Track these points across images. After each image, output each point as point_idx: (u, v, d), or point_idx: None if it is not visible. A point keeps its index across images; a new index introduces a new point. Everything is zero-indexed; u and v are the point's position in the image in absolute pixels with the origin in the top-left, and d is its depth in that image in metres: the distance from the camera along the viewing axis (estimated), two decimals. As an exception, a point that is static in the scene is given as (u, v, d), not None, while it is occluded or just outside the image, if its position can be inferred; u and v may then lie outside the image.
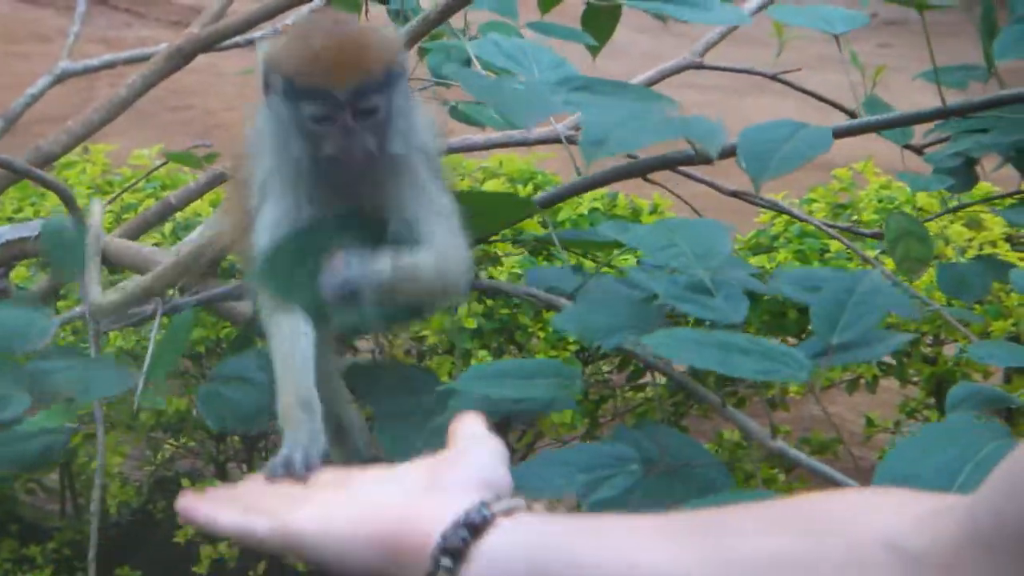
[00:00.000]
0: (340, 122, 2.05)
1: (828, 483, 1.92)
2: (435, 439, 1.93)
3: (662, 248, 1.89)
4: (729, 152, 2.13)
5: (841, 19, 2.32)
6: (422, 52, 3.16)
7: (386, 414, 1.99)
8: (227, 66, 11.27)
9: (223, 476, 4.45)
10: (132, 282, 2.64)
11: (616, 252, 4.12)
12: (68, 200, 2.73)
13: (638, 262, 2.29)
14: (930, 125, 2.57)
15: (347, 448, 2.21)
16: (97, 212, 2.79)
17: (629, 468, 1.73)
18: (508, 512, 1.21)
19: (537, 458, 1.76)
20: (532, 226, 4.02)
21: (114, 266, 2.88)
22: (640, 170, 2.33)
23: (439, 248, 2.13)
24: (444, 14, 2.53)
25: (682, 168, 2.55)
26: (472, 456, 1.34)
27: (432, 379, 2.17)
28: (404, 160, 2.15)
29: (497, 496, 1.23)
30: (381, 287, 2.02)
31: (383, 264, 2.03)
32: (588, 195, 4.40)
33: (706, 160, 2.15)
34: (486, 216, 2.25)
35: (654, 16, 3.76)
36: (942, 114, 2.29)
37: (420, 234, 2.15)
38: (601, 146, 1.89)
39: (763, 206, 2.68)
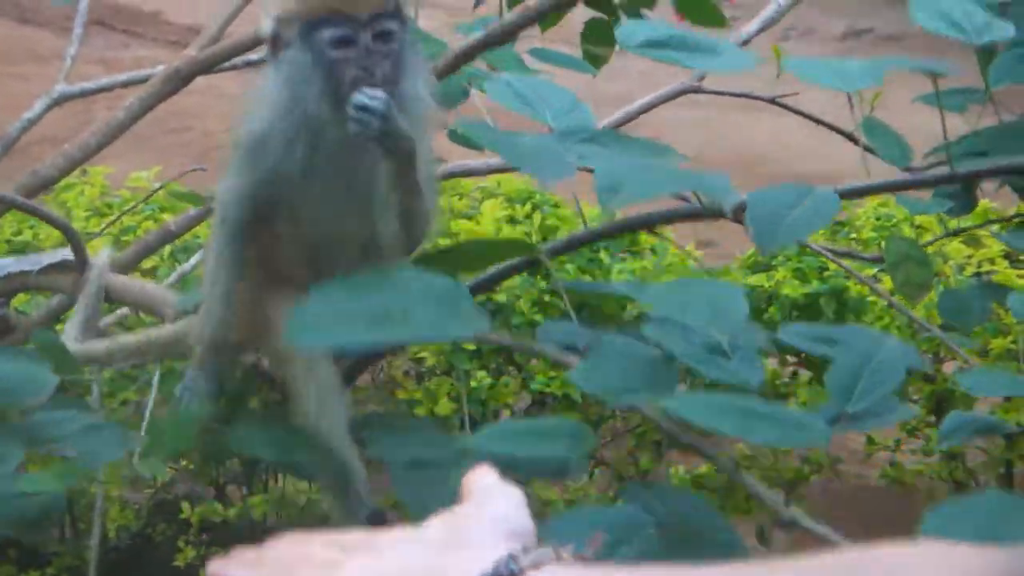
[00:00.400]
0: (361, 44, 2.12)
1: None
2: (455, 491, 1.94)
3: (677, 308, 1.89)
4: (740, 208, 2.12)
5: (857, 75, 2.32)
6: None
7: (402, 466, 1.97)
8: (227, 87, 11.28)
9: (222, 499, 4.45)
10: (125, 337, 2.63)
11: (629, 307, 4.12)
12: (72, 237, 2.73)
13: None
14: (929, 145, 2.57)
15: (350, 498, 2.23)
16: (104, 257, 2.77)
17: (645, 532, 1.72)
18: (537, 564, 1.18)
19: (553, 520, 1.75)
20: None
21: (117, 303, 2.87)
22: (649, 223, 2.32)
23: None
24: (467, 55, 2.53)
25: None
26: (492, 507, 1.31)
27: (443, 432, 2.17)
28: (410, 109, 2.17)
29: (523, 546, 1.20)
30: (398, 135, 2.10)
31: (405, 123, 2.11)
32: (588, 213, 4.41)
33: (717, 215, 2.15)
34: (490, 260, 2.26)
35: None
36: (952, 179, 2.30)
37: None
38: (615, 195, 1.90)
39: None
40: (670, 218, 2.29)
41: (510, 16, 2.45)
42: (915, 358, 2.08)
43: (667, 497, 1.81)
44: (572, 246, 2.40)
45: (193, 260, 3.77)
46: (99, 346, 2.63)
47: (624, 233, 2.29)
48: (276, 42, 2.21)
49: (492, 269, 2.33)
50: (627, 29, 2.38)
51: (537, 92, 2.25)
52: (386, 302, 1.80)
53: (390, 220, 2.25)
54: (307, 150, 2.21)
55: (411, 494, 1.97)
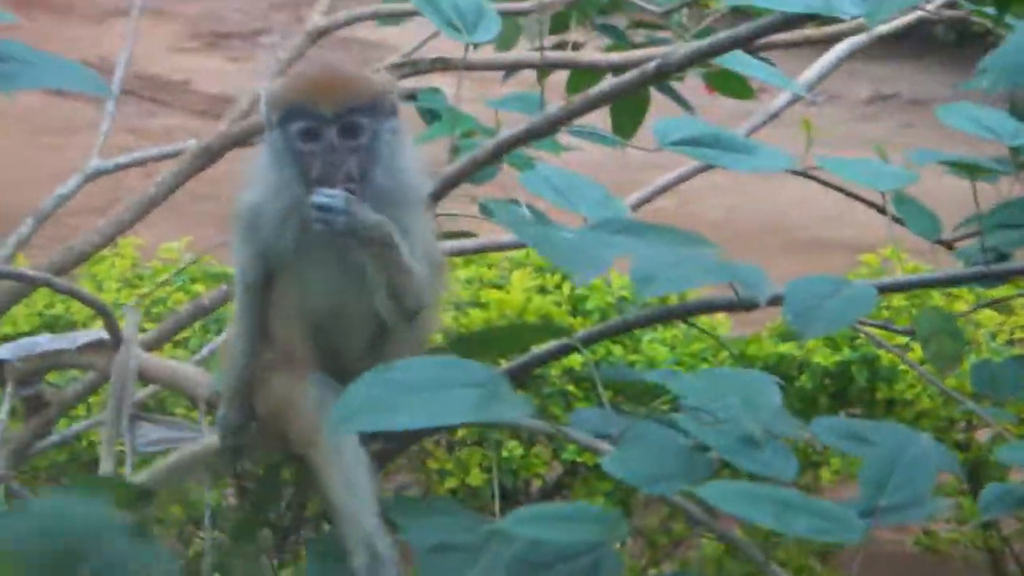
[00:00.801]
0: (326, 139, 2.21)
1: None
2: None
3: (710, 398, 1.90)
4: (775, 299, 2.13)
5: (889, 176, 2.38)
6: (455, 150, 3.18)
7: (430, 549, 1.97)
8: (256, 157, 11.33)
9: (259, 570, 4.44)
10: (163, 461, 2.64)
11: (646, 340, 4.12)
12: (107, 316, 2.77)
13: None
14: (960, 217, 2.57)
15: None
16: (133, 320, 2.80)
17: None
18: None
19: None
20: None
21: (151, 383, 2.90)
22: (683, 312, 2.33)
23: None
24: (511, 144, 2.56)
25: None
26: None
27: (475, 516, 2.16)
28: (388, 197, 2.26)
29: None
30: (364, 228, 2.18)
31: (372, 214, 2.19)
32: (617, 283, 4.41)
33: (752, 306, 2.15)
34: (525, 344, 2.28)
35: (681, 106, 3.79)
36: (986, 276, 2.31)
37: None
38: (651, 284, 1.92)
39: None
40: (706, 309, 2.30)
41: (553, 110, 2.48)
42: (948, 459, 2.09)
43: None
44: (606, 335, 2.41)
45: (216, 341, 3.79)
46: (142, 476, 2.63)
47: (659, 322, 2.29)
48: (267, 120, 2.31)
49: (527, 356, 2.34)
50: (664, 125, 2.44)
51: (572, 185, 2.28)
52: (427, 389, 1.82)
53: (382, 298, 2.29)
54: (298, 227, 2.28)
55: (434, 574, 1.97)
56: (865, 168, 2.38)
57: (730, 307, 2.24)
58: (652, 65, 2.37)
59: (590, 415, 2.08)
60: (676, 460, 1.89)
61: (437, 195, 2.61)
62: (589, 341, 2.31)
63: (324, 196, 2.17)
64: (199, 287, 4.75)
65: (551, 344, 2.31)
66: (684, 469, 1.87)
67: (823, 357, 4.07)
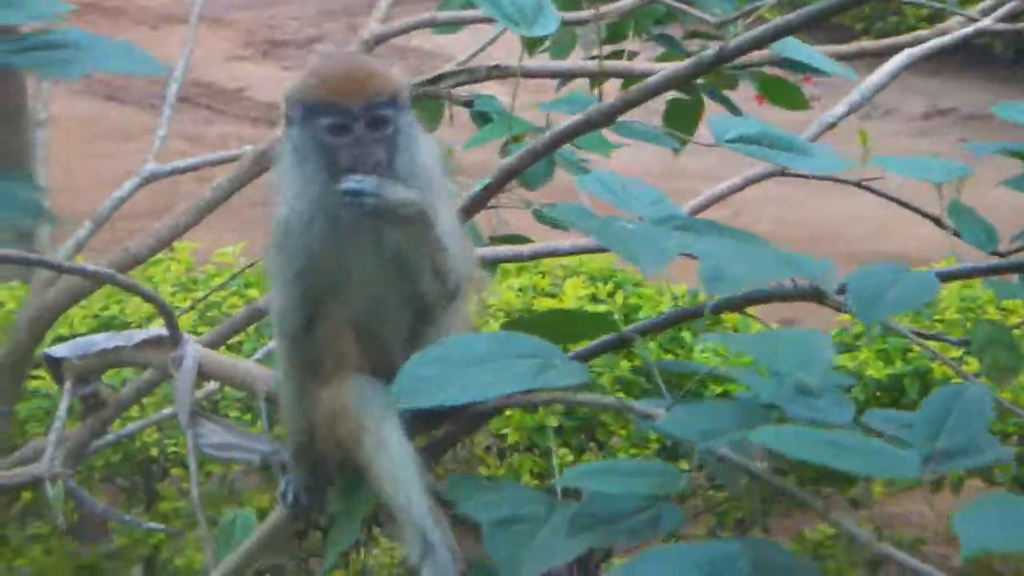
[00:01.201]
0: (355, 133, 2.26)
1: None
2: (547, 547, 1.95)
3: (766, 353, 1.90)
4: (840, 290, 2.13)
5: (942, 170, 2.37)
6: (505, 152, 3.19)
7: (494, 522, 1.98)
8: (307, 161, 11.38)
9: (306, 572, 4.46)
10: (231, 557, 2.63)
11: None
12: (167, 313, 2.78)
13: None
14: (1016, 228, 2.56)
15: (435, 565, 2.27)
16: (191, 354, 2.81)
17: (737, 568, 1.72)
18: None
19: (648, 554, 1.75)
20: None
21: (210, 379, 2.91)
22: (745, 303, 2.33)
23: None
24: (569, 135, 2.57)
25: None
26: None
27: (535, 491, 2.18)
28: (411, 182, 2.30)
29: None
30: (397, 205, 2.24)
31: (402, 190, 2.25)
32: (668, 293, 4.42)
33: (815, 297, 2.15)
34: (577, 333, 2.28)
35: (733, 114, 3.79)
36: None
37: None
38: (721, 282, 1.92)
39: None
40: (769, 298, 2.29)
41: (614, 100, 2.48)
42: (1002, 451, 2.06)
43: (752, 545, 1.81)
44: (665, 325, 2.41)
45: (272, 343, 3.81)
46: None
47: (716, 313, 2.29)
48: (288, 117, 2.34)
49: (583, 347, 2.35)
50: (720, 123, 2.42)
51: (627, 187, 2.28)
52: (481, 362, 1.84)
53: (426, 278, 2.33)
54: (328, 223, 2.30)
55: (503, 551, 1.98)
56: (919, 163, 2.38)
57: (795, 297, 2.24)
58: (711, 52, 2.35)
59: (649, 401, 2.09)
60: (731, 414, 1.91)
61: (494, 187, 2.63)
62: (645, 331, 2.32)
63: (353, 181, 2.23)
64: (254, 292, 4.78)
65: (608, 337, 2.31)
66: (738, 422, 1.88)
67: (876, 370, 4.06)
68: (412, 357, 1.90)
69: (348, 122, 2.26)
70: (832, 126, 3.29)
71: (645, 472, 1.91)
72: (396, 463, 2.29)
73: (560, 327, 2.21)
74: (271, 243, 2.39)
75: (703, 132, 3.89)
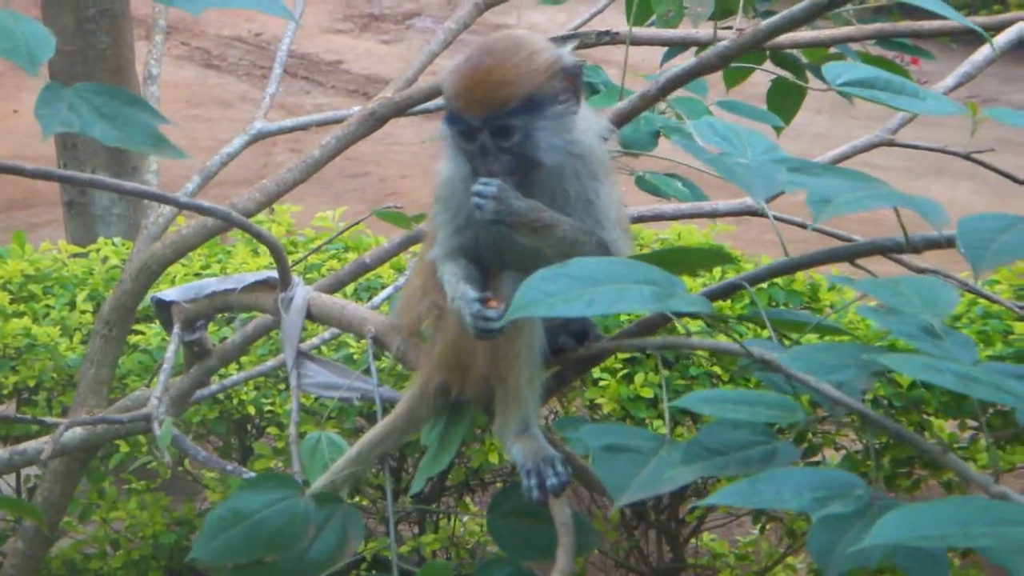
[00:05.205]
0: (479, 141, 2.32)
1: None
2: (656, 474, 1.97)
3: (890, 295, 1.91)
4: (936, 243, 2.12)
5: None
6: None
7: (603, 448, 2.01)
8: (402, 135, 11.48)
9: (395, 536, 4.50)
10: (365, 437, 2.64)
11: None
12: (278, 253, 2.81)
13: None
14: None
15: (534, 443, 2.37)
16: (301, 295, 2.83)
17: (855, 493, 1.73)
18: None
19: (766, 475, 1.77)
20: (724, 308, 4.03)
21: (319, 322, 2.94)
22: (849, 255, 2.32)
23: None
24: (647, 101, 2.58)
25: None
26: None
27: (643, 429, 2.20)
28: (563, 173, 2.36)
29: None
30: (512, 214, 2.29)
31: (522, 202, 2.29)
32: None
33: (916, 249, 2.15)
34: (683, 265, 2.30)
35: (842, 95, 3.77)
36: None
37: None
38: (827, 206, 1.94)
39: (956, 286, 2.64)
40: (871, 251, 2.28)
41: (727, 43, 2.48)
42: None
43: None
44: (772, 274, 2.42)
45: (383, 294, 3.84)
46: (341, 464, 2.65)
47: (823, 264, 2.29)
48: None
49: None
50: (833, 68, 2.43)
51: (739, 134, 2.30)
52: (605, 282, 1.87)
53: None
54: (470, 210, 2.37)
55: (611, 474, 2.01)
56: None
57: (898, 249, 2.23)
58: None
59: (760, 343, 2.10)
60: (851, 352, 1.92)
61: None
62: (756, 280, 2.33)
63: (480, 185, 2.29)
64: (352, 255, 4.83)
65: (726, 281, 2.35)
66: (856, 360, 1.89)
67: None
68: (536, 272, 1.90)
69: (472, 132, 2.32)
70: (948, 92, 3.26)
71: (765, 402, 1.93)
72: (534, 367, 2.38)
73: (679, 263, 2.24)
74: (436, 192, 2.47)
75: (799, 114, 3.89)
